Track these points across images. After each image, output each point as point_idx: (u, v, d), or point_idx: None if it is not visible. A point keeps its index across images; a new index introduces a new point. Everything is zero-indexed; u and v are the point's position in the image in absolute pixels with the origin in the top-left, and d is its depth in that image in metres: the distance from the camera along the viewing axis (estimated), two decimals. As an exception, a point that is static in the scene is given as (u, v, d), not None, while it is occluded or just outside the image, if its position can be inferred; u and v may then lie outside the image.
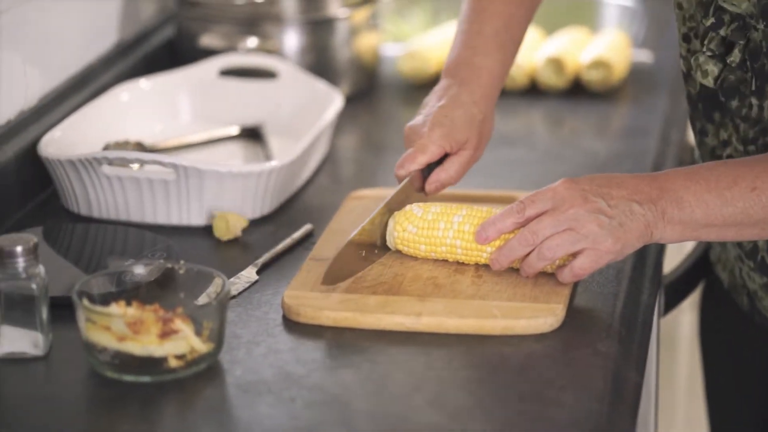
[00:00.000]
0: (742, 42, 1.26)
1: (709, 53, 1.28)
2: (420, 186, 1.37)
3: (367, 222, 1.30)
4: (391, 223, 1.31)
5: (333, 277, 1.26)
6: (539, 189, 1.25)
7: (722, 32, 1.27)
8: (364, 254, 1.30)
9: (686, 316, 2.26)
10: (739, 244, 1.38)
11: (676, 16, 1.35)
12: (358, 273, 1.28)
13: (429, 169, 1.37)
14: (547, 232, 1.22)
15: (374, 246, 1.31)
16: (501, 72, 1.41)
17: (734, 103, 1.29)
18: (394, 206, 1.33)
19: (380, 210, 1.32)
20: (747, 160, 1.23)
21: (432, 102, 1.39)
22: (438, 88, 1.40)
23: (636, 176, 1.24)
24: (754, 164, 1.22)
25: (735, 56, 1.26)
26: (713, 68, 1.28)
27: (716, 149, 1.35)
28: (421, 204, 1.32)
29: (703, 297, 1.58)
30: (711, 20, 1.27)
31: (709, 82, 1.29)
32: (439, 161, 1.37)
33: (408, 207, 1.32)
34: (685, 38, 1.33)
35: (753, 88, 1.27)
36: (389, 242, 1.32)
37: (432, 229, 1.29)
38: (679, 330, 2.27)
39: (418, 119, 1.38)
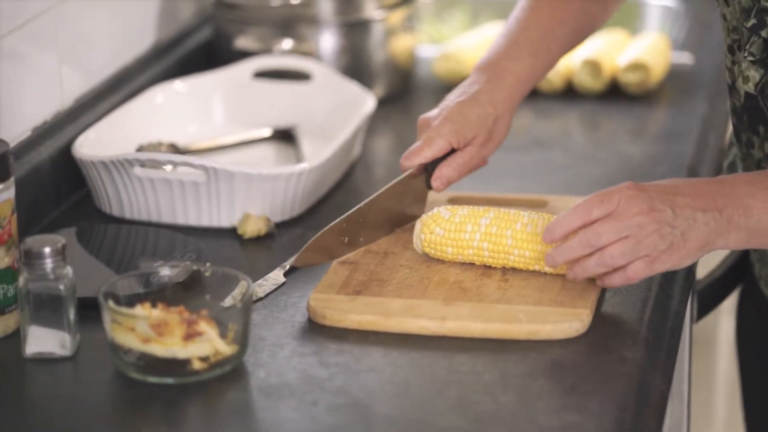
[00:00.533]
0: None
1: (750, 58, 1.27)
2: (416, 174, 1.38)
3: (354, 211, 1.32)
4: (418, 226, 1.32)
5: (305, 259, 1.30)
6: (604, 190, 1.22)
7: (764, 34, 1.25)
8: (346, 240, 1.32)
9: (725, 319, 2.24)
10: None
11: (722, 27, 1.33)
12: (337, 257, 1.32)
13: (434, 163, 1.38)
14: (611, 237, 1.20)
15: (359, 234, 1.33)
16: (528, 78, 1.42)
17: None
18: (384, 198, 1.35)
19: (371, 198, 1.34)
20: None
21: (452, 97, 1.41)
22: (462, 84, 1.43)
23: (700, 182, 1.22)
24: None
25: None
26: (755, 74, 1.27)
27: (762, 162, 1.34)
28: (449, 207, 1.32)
29: (740, 304, 1.56)
30: (752, 21, 1.26)
31: (750, 88, 1.28)
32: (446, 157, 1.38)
33: (436, 210, 1.32)
34: (730, 50, 1.32)
35: None
36: (416, 245, 1.32)
37: (459, 231, 1.29)
38: (719, 333, 2.25)
39: (433, 112, 1.40)
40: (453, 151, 1.38)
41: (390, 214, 1.37)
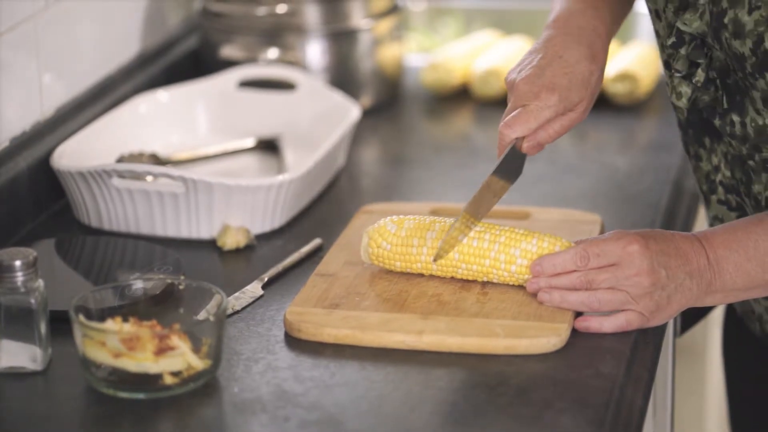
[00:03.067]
0: (702, 61, 1.24)
1: (678, 74, 1.26)
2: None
3: (447, 237, 1.25)
4: (365, 239, 1.30)
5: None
6: (604, 238, 1.22)
7: (683, 51, 1.25)
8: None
9: (716, 330, 2.23)
10: None
11: (657, 43, 1.32)
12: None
13: None
14: (604, 286, 1.21)
15: (482, 211, 1.27)
16: (612, 27, 1.33)
17: (717, 122, 1.27)
18: (472, 210, 1.26)
19: (461, 219, 1.26)
20: None
21: (547, 52, 1.28)
22: (550, 38, 1.29)
23: (685, 241, 1.22)
24: None
25: (699, 76, 1.25)
26: (686, 89, 1.26)
27: (710, 174, 1.34)
28: (394, 219, 1.30)
29: (726, 316, 1.55)
30: (672, 39, 1.25)
31: (683, 103, 1.27)
32: None
33: (382, 222, 1.30)
34: (666, 65, 1.31)
35: (725, 106, 1.25)
36: (364, 258, 1.31)
37: (406, 246, 1.28)
38: (709, 343, 2.23)
39: (532, 72, 1.27)
40: None
41: (500, 182, 1.29)
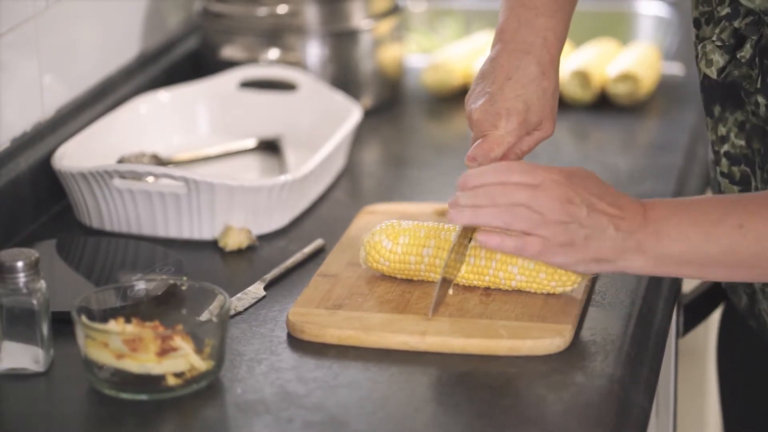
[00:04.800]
0: (754, 38, 1.22)
1: (719, 43, 1.24)
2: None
3: (449, 258, 1.24)
4: (362, 253, 1.30)
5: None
6: (532, 163, 1.19)
7: (736, 24, 1.23)
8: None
9: (716, 331, 2.23)
10: None
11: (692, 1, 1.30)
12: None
13: None
14: (520, 202, 1.16)
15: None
16: (564, 34, 1.30)
17: (742, 93, 1.24)
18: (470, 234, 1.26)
19: (458, 240, 1.25)
20: (740, 197, 1.18)
21: (496, 76, 1.26)
22: (497, 57, 1.27)
23: (626, 197, 1.19)
24: (748, 202, 1.16)
25: (746, 51, 1.22)
26: (719, 59, 1.24)
27: (714, 144, 1.30)
28: (389, 232, 1.29)
29: (722, 318, 1.55)
30: (726, 10, 1.23)
31: (712, 72, 1.25)
32: None
33: (377, 236, 1.29)
34: (696, 23, 1.28)
35: (759, 85, 1.22)
36: (364, 266, 1.30)
37: (403, 263, 1.28)
38: (709, 345, 2.23)
39: (485, 100, 1.25)
40: None
41: None
